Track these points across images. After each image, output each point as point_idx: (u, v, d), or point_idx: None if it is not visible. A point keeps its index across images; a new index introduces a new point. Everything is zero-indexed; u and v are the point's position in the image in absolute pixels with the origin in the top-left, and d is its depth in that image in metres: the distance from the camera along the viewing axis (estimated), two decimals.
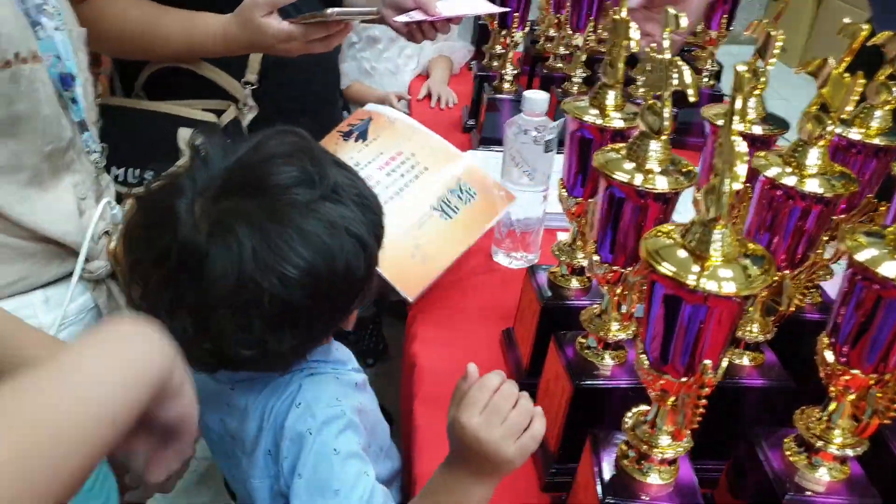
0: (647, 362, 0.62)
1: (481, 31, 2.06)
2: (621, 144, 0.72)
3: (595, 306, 0.83)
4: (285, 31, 1.10)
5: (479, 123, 1.66)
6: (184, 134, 1.22)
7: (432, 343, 1.08)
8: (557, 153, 1.15)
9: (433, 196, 1.13)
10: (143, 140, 1.22)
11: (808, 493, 0.66)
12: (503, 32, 1.63)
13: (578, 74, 1.56)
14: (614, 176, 0.69)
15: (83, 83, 0.88)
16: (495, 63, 1.69)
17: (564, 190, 0.90)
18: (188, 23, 1.18)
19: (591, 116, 0.82)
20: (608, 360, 0.82)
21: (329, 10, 1.09)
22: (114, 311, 0.92)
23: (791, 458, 0.67)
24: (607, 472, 0.70)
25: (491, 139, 1.59)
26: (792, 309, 0.75)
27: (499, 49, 1.67)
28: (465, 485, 0.70)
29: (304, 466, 0.72)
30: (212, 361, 0.70)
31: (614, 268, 0.75)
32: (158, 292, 0.67)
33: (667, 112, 0.65)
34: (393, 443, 0.90)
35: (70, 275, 0.87)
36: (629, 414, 0.70)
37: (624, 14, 0.77)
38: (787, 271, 0.73)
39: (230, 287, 0.63)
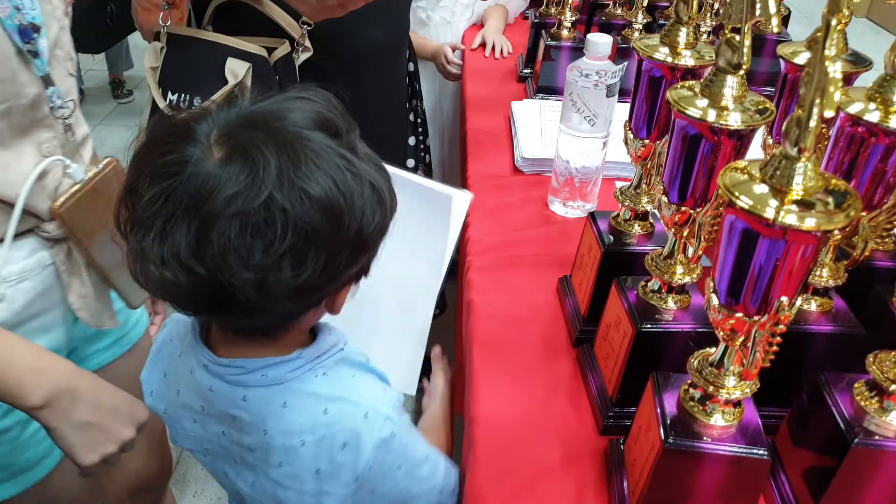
0: (717, 301, 0.62)
1: None
2: (695, 81, 0.70)
3: (659, 249, 0.82)
4: None
5: (536, 72, 1.63)
6: (231, 65, 1.26)
7: (488, 290, 1.08)
8: (619, 101, 1.13)
9: None
10: (198, 68, 1.26)
11: (878, 437, 0.65)
12: None
13: (639, 21, 1.52)
14: (687, 112, 0.68)
15: (56, 34, 0.84)
16: (553, 10, 1.65)
17: (631, 132, 0.88)
18: None
19: (662, 54, 0.80)
20: (671, 304, 0.81)
21: None
22: (72, 270, 0.92)
23: (861, 403, 0.66)
24: (670, 413, 0.70)
25: (548, 88, 1.57)
26: (867, 253, 0.72)
27: None
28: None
29: (399, 458, 0.77)
30: (203, 293, 0.63)
31: (683, 209, 0.74)
32: (153, 207, 0.62)
33: (746, 45, 0.63)
34: None
35: (29, 231, 0.86)
36: (695, 355, 0.69)
37: None
38: (863, 213, 0.71)
39: (244, 198, 0.59)
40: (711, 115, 0.67)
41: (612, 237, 0.94)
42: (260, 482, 0.79)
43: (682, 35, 0.79)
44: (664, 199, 0.75)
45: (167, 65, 1.29)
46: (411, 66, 1.71)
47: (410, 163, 1.75)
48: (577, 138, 1.15)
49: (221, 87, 1.25)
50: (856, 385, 0.68)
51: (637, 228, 0.94)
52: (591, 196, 1.22)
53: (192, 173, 0.61)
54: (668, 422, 0.69)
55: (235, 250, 0.60)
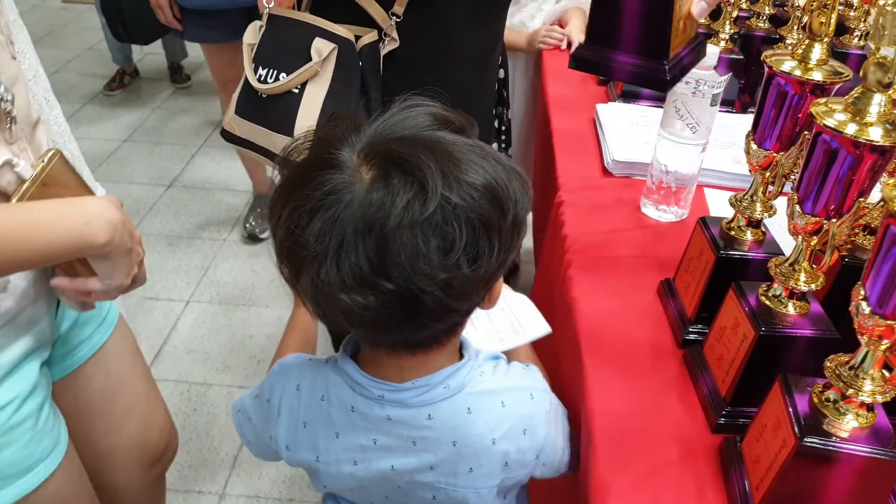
0: (867, 308, 0.65)
1: None
2: (840, 98, 0.73)
3: (782, 257, 0.85)
4: None
5: None
6: (318, 44, 1.32)
7: (590, 289, 1.11)
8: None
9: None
10: (288, 46, 1.33)
11: None
12: None
13: (727, 31, 1.54)
14: (825, 122, 0.71)
15: None
16: None
17: (754, 142, 0.91)
18: None
19: (792, 68, 0.83)
20: (791, 310, 0.84)
21: None
22: None
23: None
24: (802, 412, 0.73)
25: (632, 93, 1.59)
26: None
27: None
28: None
29: (559, 421, 0.88)
30: (393, 309, 0.64)
31: (815, 218, 0.77)
32: (322, 242, 0.64)
33: None
34: None
35: None
36: (830, 358, 0.72)
37: None
38: None
39: (419, 204, 0.61)
40: (852, 129, 0.70)
41: (723, 243, 0.97)
42: (440, 497, 0.81)
43: (816, 51, 0.82)
44: (798, 208, 0.78)
45: (263, 42, 1.37)
46: (501, 73, 1.73)
47: None
48: (676, 144, 1.18)
49: (305, 65, 1.30)
50: None
51: (749, 235, 0.97)
52: (685, 202, 1.25)
53: (351, 199, 0.63)
54: (802, 421, 0.72)
55: (424, 257, 0.62)
